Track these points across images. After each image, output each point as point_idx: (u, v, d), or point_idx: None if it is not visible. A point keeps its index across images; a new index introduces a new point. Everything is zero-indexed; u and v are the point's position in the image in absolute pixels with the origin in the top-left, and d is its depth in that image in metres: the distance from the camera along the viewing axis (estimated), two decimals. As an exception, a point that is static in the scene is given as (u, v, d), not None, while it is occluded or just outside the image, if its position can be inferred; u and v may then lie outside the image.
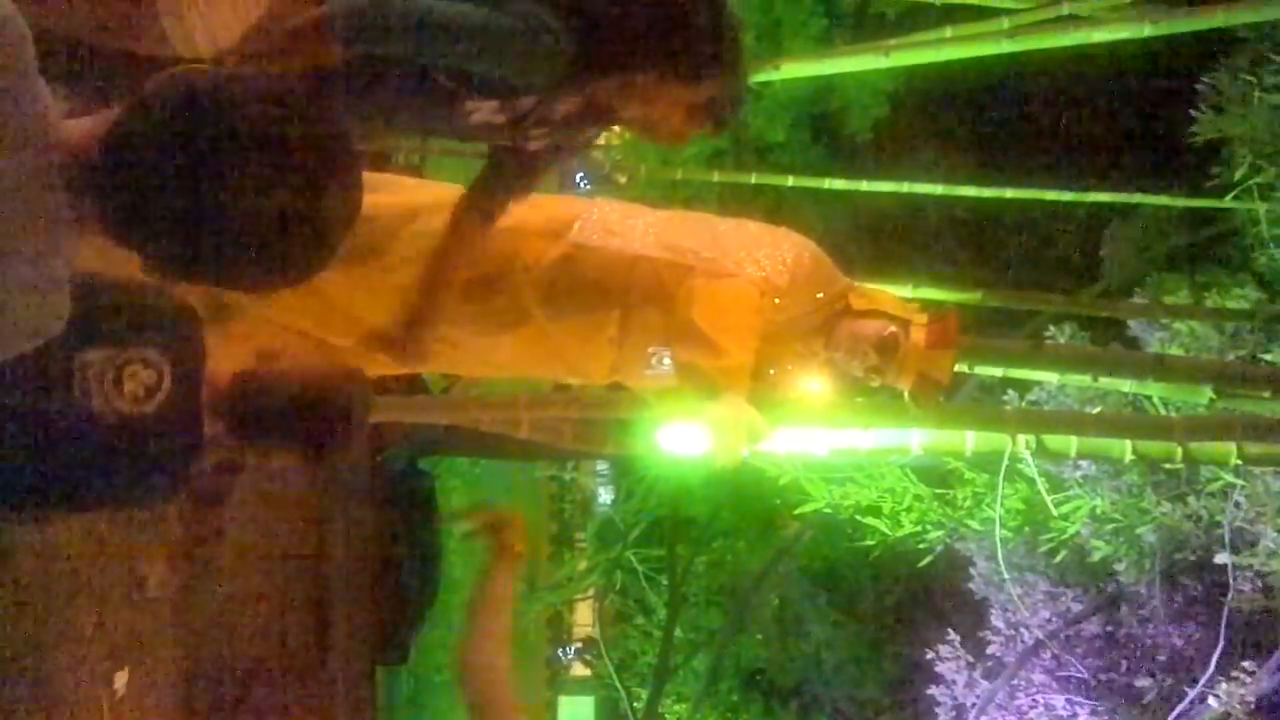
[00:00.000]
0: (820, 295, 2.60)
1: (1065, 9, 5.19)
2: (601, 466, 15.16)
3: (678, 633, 12.33)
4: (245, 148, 1.17)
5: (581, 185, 12.19)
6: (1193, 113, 7.30)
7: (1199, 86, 7.36)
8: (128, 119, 1.19)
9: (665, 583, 12.35)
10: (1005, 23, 5.26)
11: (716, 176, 8.47)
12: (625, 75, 2.20)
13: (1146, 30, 4.87)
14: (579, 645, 16.50)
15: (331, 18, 1.89)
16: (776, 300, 2.52)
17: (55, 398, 1.55)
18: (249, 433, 1.77)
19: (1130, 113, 9.55)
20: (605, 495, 15.63)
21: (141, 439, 1.61)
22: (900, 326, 2.53)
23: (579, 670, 16.77)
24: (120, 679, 4.22)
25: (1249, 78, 7.03)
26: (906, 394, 2.58)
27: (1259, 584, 6.86)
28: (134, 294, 1.64)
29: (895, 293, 2.89)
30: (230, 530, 5.24)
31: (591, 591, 14.50)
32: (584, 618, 16.20)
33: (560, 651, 17.01)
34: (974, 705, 8.09)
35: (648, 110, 2.26)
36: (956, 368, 2.65)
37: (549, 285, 2.59)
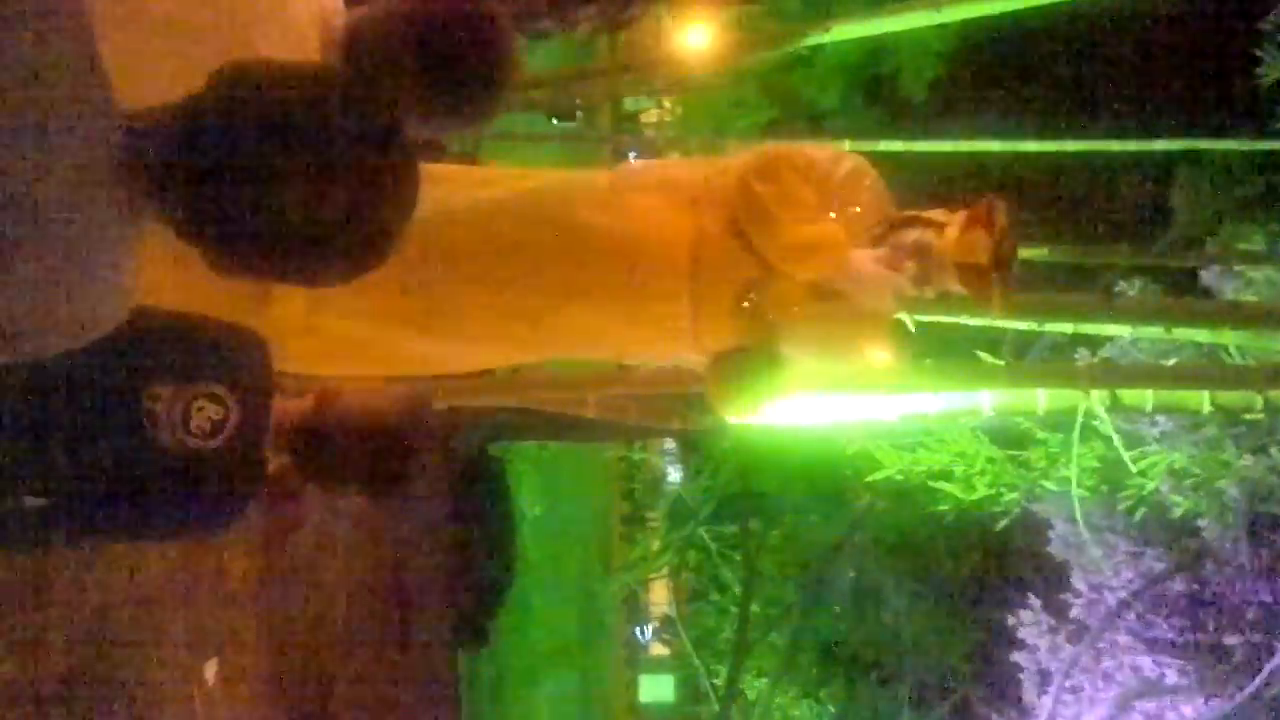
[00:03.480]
0: (860, 209, 2.54)
1: (1122, -48, 5.05)
2: (669, 445, 15.17)
3: (754, 608, 12.34)
4: (305, 138, 1.18)
5: (634, 159, 12.21)
6: (1258, 52, 7.10)
7: (1263, 26, 7.15)
8: (193, 105, 1.20)
9: (739, 559, 12.35)
10: (1060, -30, 5.14)
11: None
12: None
13: (1208, -31, 4.72)
14: (656, 624, 16.58)
15: None
16: (813, 170, 2.52)
17: (124, 431, 1.59)
18: (316, 473, 1.81)
19: (1194, 56, 9.29)
20: (674, 474, 15.66)
21: (206, 475, 1.64)
22: (935, 229, 2.48)
23: (658, 649, 16.86)
24: (210, 669, 4.31)
25: (1317, 13, 6.82)
26: (964, 291, 2.49)
27: (1349, 534, 6.70)
28: (205, 329, 1.68)
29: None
30: (309, 522, 5.33)
31: (666, 570, 14.56)
32: (660, 597, 16.27)
33: (638, 631, 17.11)
34: (1059, 670, 7.99)
35: None
36: (1017, 255, 2.51)
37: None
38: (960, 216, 2.48)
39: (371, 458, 1.78)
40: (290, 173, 1.17)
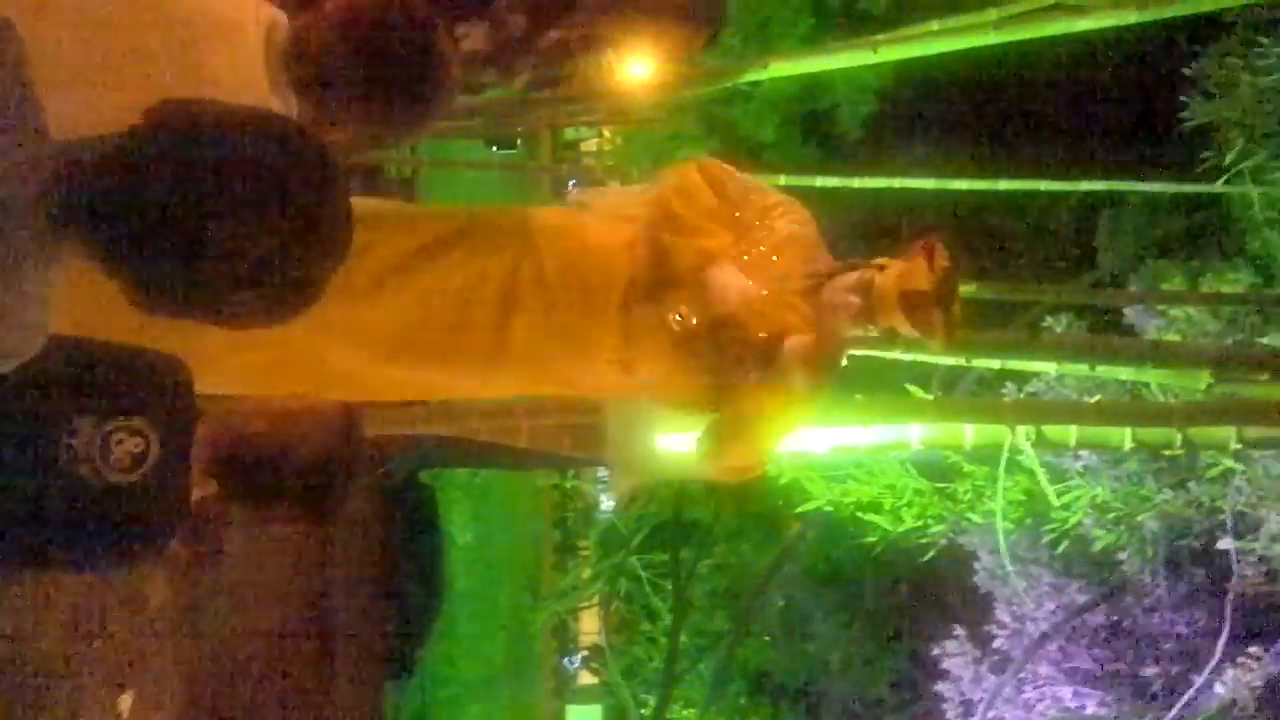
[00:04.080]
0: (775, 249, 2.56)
1: (1051, -1, 5.18)
2: (603, 473, 15.14)
3: (683, 638, 12.31)
4: (239, 180, 1.16)
5: (574, 188, 12.21)
6: (1182, 98, 7.32)
7: (1187, 72, 7.37)
8: (127, 141, 1.18)
9: (669, 588, 12.33)
10: (992, 14, 5.25)
11: (708, 178, 8.45)
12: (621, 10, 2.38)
13: (1132, 17, 4.86)
14: (585, 653, 16.47)
15: None
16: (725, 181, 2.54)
17: (42, 465, 1.55)
18: (243, 495, 1.77)
19: (1120, 100, 9.56)
20: (607, 502, 15.62)
21: (126, 508, 1.61)
22: (875, 269, 2.52)
23: (586, 679, 16.75)
24: (126, 702, 4.20)
25: (1237, 61, 7.04)
26: (910, 327, 2.51)
27: (1262, 569, 6.86)
28: (126, 360, 1.64)
29: None
30: (231, 548, 5.23)
31: (596, 599, 14.48)
32: (589, 626, 16.18)
33: (566, 660, 16.99)
34: (981, 700, 8.07)
35: (632, 36, 2.47)
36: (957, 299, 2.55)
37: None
38: (899, 257, 2.52)
39: (301, 477, 1.74)
40: (220, 215, 1.15)
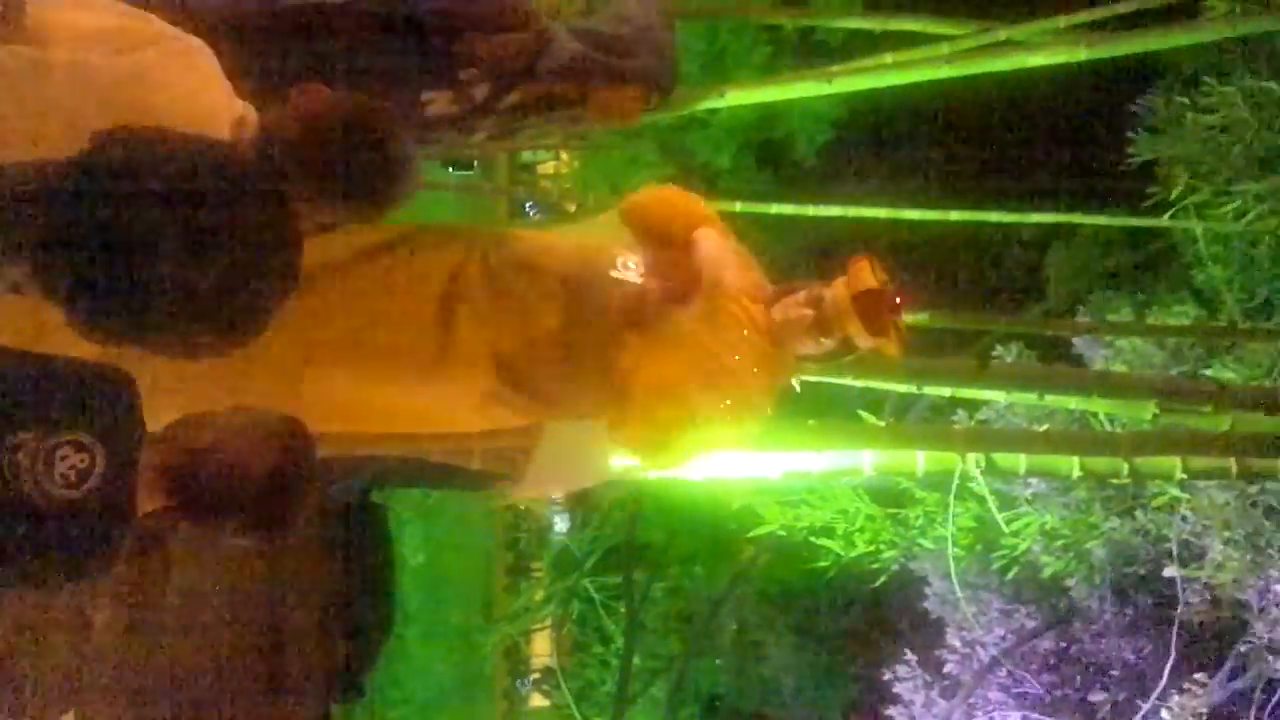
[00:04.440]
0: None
1: (1002, 34, 5.28)
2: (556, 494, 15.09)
3: (636, 660, 12.27)
4: (186, 208, 1.15)
5: (531, 213, 12.20)
6: (1129, 134, 7.47)
7: (1134, 108, 7.53)
8: (71, 170, 1.17)
9: (622, 610, 12.30)
10: (944, 48, 5.35)
11: (665, 203, 8.49)
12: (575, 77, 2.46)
13: (1082, 54, 4.97)
14: (537, 676, 16.36)
15: None
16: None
17: None
18: (192, 512, 1.75)
19: (1069, 135, 9.74)
20: (561, 524, 15.56)
21: (70, 524, 1.58)
22: (820, 283, 2.56)
23: (537, 701, 16.63)
24: (66, 725, 4.13)
25: (1182, 99, 7.20)
26: (866, 334, 2.52)
27: (1207, 596, 6.97)
28: (71, 374, 1.60)
29: None
30: (177, 567, 5.15)
31: (549, 621, 14.41)
32: (541, 648, 16.07)
33: (518, 683, 16.86)
34: (932, 725, 8.13)
35: (592, 102, 2.53)
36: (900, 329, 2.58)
37: None
38: (838, 275, 2.57)
39: (251, 492, 1.72)
40: (167, 243, 1.14)
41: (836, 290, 2.51)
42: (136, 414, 1.65)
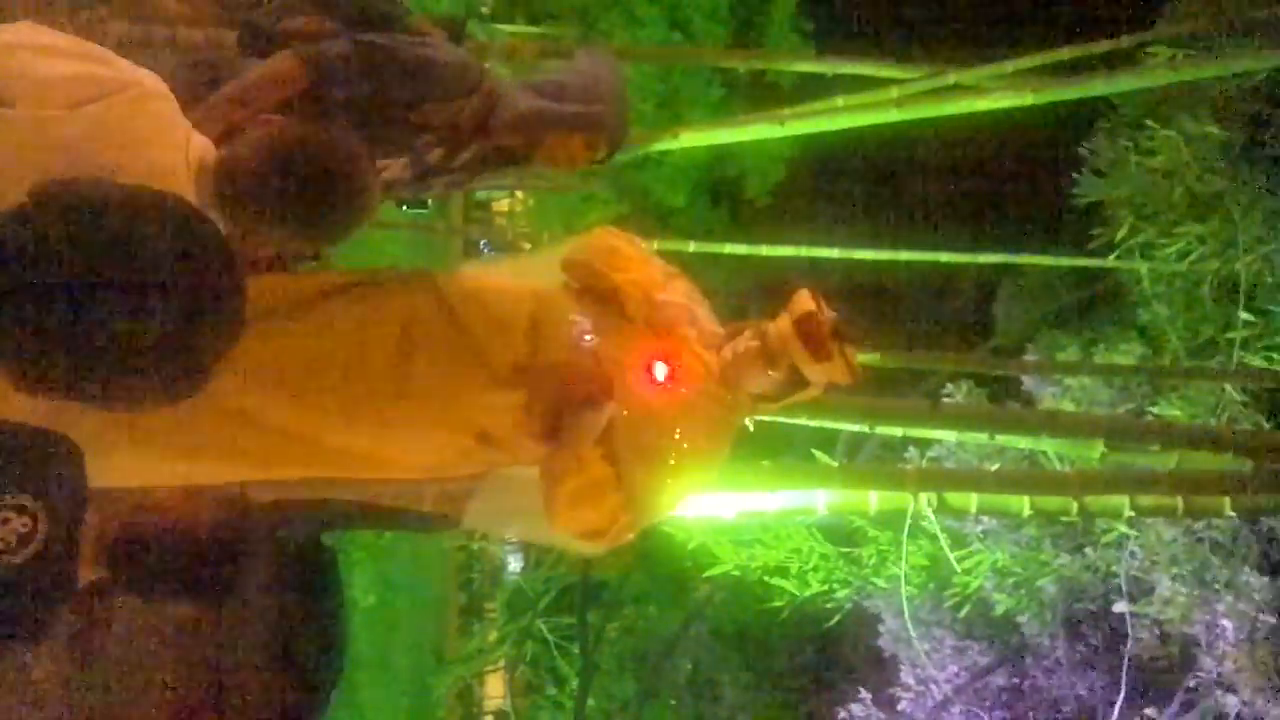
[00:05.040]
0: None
1: (951, 79, 5.38)
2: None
3: (590, 702, 12.16)
4: (127, 260, 1.13)
5: (485, 252, 12.20)
6: (1075, 176, 7.61)
7: (1080, 151, 7.67)
8: (7, 222, 1.15)
9: (577, 651, 12.20)
10: (894, 92, 5.43)
11: (619, 242, 8.52)
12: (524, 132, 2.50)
13: (1029, 99, 5.07)
14: (490, 718, 16.17)
15: (312, 60, 2.12)
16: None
17: None
18: (135, 584, 1.71)
19: (1016, 177, 9.91)
20: (514, 564, 15.44)
21: (9, 590, 1.54)
22: (764, 319, 2.59)
23: (490, 744, 16.43)
24: (3, 776, 4.00)
25: (1126, 143, 7.36)
26: (812, 361, 2.53)
27: (1156, 631, 7.04)
28: (15, 438, 1.58)
29: None
30: (119, 614, 5.04)
31: (502, 663, 14.25)
32: (495, 690, 15.89)
33: (471, 725, 16.64)
34: (887, 763, 8.12)
35: (536, 153, 2.56)
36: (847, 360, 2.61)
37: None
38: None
39: (194, 565, 1.69)
40: (106, 297, 1.12)
41: (779, 321, 2.56)
42: (82, 481, 1.62)
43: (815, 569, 7.02)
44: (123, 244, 1.13)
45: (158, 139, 1.75)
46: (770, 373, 2.57)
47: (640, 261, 2.66)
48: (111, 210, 1.16)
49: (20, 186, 1.42)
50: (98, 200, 1.17)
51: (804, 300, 2.55)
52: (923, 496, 3.85)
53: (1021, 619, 7.40)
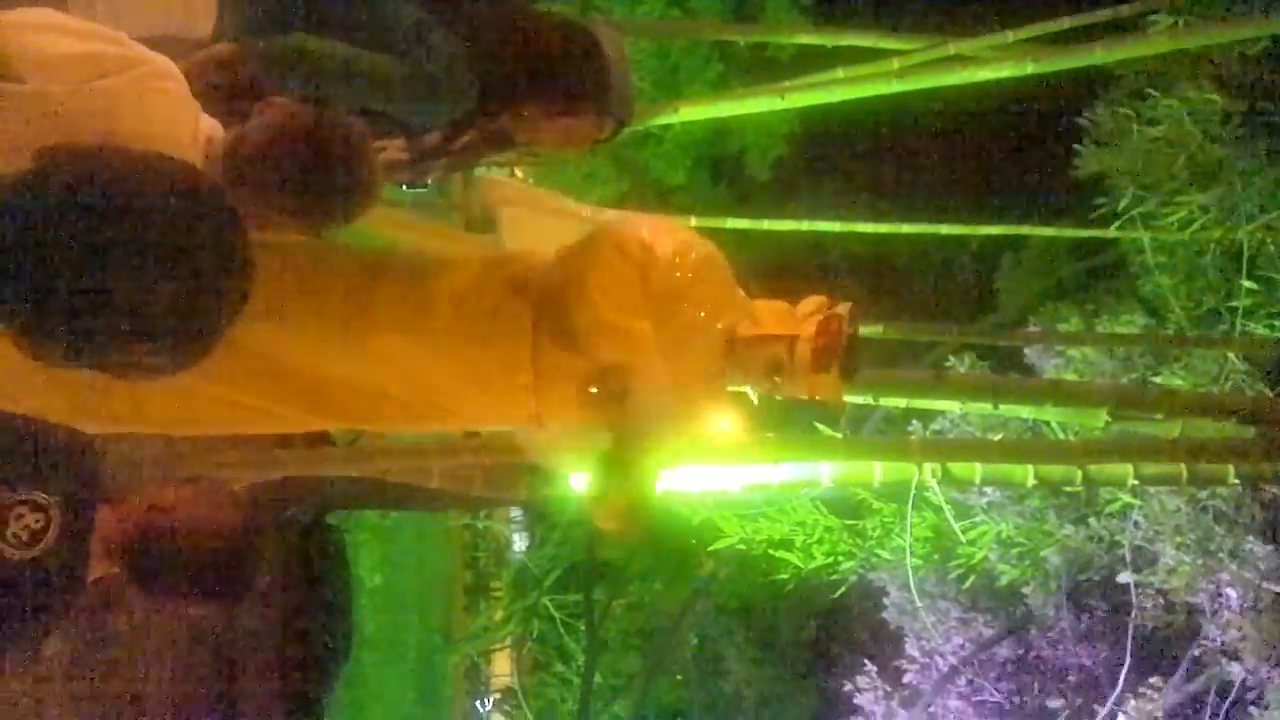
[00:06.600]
0: (707, 304, 2.55)
1: (951, 49, 5.35)
2: (515, 513, 15.03)
3: (598, 678, 12.22)
4: (134, 226, 1.13)
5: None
6: (1076, 147, 7.58)
7: (1080, 122, 7.64)
8: (13, 189, 1.15)
9: (582, 628, 12.26)
10: (895, 63, 5.41)
11: (620, 219, 8.50)
12: (518, 109, 2.44)
13: (1029, 68, 5.05)
14: (498, 696, 16.24)
15: (255, 54, 2.08)
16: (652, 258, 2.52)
17: None
18: (146, 584, 1.72)
19: (1017, 148, 9.87)
20: (520, 542, 15.48)
21: (20, 585, 1.55)
22: (785, 346, 2.53)
23: (498, 721, 16.53)
24: (16, 755, 4.04)
25: (1127, 112, 7.32)
26: (823, 346, 2.52)
27: (1160, 601, 7.06)
28: (32, 434, 1.59)
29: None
30: (132, 596, 5.06)
31: (509, 641, 14.32)
32: (502, 667, 15.97)
33: (478, 703, 16.73)
34: (893, 735, 8.16)
35: (539, 135, 2.52)
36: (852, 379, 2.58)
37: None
38: (812, 331, 2.54)
39: (206, 567, 1.70)
40: (113, 262, 1.11)
41: (796, 374, 2.50)
42: (96, 478, 1.62)
43: (820, 542, 7.03)
44: (128, 207, 1.13)
45: (167, 117, 1.76)
46: (775, 379, 2.55)
47: (638, 306, 2.51)
48: (116, 173, 1.15)
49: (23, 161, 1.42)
50: (102, 164, 1.16)
51: (842, 308, 2.53)
52: (927, 467, 3.85)
53: (1026, 590, 7.42)
